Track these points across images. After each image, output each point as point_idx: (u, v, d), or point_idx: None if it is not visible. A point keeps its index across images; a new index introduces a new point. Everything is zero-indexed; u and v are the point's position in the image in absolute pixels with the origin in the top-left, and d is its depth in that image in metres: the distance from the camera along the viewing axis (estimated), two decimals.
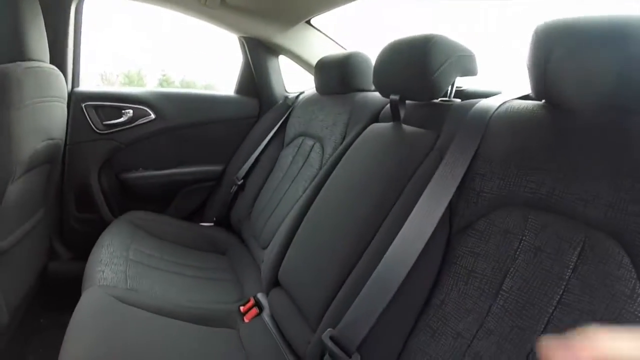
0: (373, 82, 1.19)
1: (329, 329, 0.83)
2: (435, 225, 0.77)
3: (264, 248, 1.49)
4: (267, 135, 1.87)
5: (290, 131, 1.76)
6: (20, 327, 1.50)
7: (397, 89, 1.10)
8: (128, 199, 1.92)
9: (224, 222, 1.90)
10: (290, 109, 1.87)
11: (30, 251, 1.50)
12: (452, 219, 0.81)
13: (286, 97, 2.04)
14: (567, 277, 0.63)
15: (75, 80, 1.80)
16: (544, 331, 0.62)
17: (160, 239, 1.65)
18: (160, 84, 2.90)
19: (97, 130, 1.81)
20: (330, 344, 0.80)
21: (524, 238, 0.69)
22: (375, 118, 1.31)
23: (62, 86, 1.48)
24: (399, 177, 0.96)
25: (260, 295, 1.29)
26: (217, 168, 2.03)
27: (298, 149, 1.64)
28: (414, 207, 0.83)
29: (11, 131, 1.15)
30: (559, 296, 0.63)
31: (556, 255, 0.65)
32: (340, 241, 1.00)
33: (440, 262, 0.79)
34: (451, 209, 0.81)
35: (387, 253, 0.81)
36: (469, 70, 1.07)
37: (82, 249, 1.54)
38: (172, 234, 1.70)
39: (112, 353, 0.92)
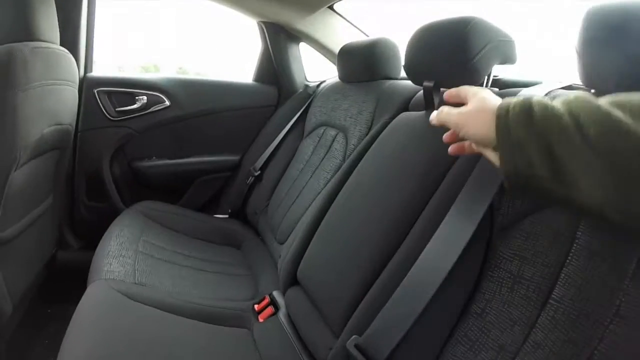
0: (404, 67, 1.12)
1: (355, 336, 0.78)
2: (476, 226, 0.70)
3: (282, 243, 1.44)
4: (286, 125, 1.82)
5: (311, 121, 1.70)
6: (25, 317, 1.48)
7: (431, 75, 1.02)
8: (140, 188, 1.89)
9: (240, 215, 1.86)
10: (311, 97, 1.81)
11: (37, 240, 1.47)
12: (494, 217, 0.73)
13: (306, 86, 1.98)
14: (625, 286, 0.56)
15: (88, 65, 1.77)
16: (599, 346, 0.55)
17: (172, 231, 1.61)
18: None
19: (110, 117, 1.78)
20: (355, 352, 0.75)
21: (577, 240, 0.62)
22: (405, 107, 1.24)
23: (73, 70, 1.44)
24: (433, 171, 0.89)
25: (276, 294, 1.24)
26: (233, 158, 1.98)
27: (319, 139, 1.57)
28: (451, 204, 0.76)
29: (16, 114, 1.11)
30: (616, 307, 0.55)
31: (613, 261, 0.57)
32: (367, 240, 0.93)
33: (480, 265, 0.71)
34: (492, 206, 0.73)
35: (422, 255, 0.75)
36: (508, 57, 0.99)
37: (92, 238, 1.50)
38: (184, 226, 1.66)
39: (114, 353, 0.87)
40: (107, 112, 1.77)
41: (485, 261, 0.71)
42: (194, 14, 2.50)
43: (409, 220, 0.86)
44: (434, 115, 0.68)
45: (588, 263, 0.59)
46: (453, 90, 0.68)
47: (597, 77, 0.68)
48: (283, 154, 1.76)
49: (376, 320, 0.75)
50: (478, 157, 0.76)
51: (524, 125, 0.51)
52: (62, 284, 1.68)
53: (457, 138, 0.69)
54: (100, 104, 1.76)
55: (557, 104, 0.51)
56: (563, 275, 0.61)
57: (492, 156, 0.58)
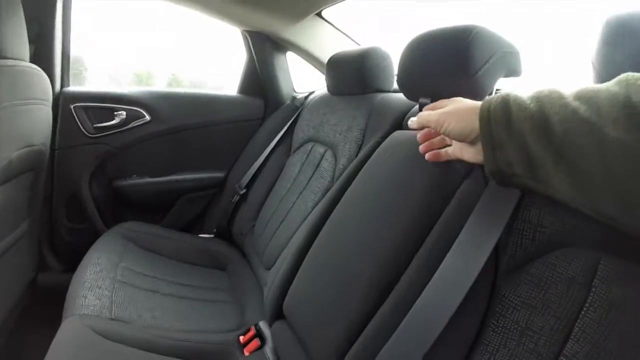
0: (398, 82, 1.04)
1: None
2: (481, 267, 0.63)
3: (268, 269, 1.37)
4: (272, 140, 1.75)
5: (299, 136, 1.64)
6: (8, 343, 1.43)
7: (429, 91, 0.94)
8: (122, 207, 1.83)
9: (225, 234, 1.80)
10: (299, 110, 1.74)
11: (14, 266, 1.41)
12: (500, 257, 0.66)
13: (294, 98, 1.91)
14: None
15: (64, 80, 1.70)
16: None
17: (154, 254, 1.56)
18: (170, 84, 2.87)
19: (88, 134, 1.71)
20: None
21: (593, 289, 0.55)
22: (399, 124, 1.17)
23: (46, 87, 1.37)
24: (432, 200, 0.80)
25: (262, 324, 1.18)
26: (219, 175, 1.91)
27: (307, 157, 1.50)
28: (453, 239, 0.69)
29: None
30: None
31: (636, 314, 0.51)
32: (359, 276, 0.86)
33: (484, 313, 0.65)
34: (498, 245, 0.65)
35: (421, 297, 0.67)
36: (513, 70, 0.92)
37: (74, 260, 1.44)
38: (167, 248, 1.60)
39: None
40: (84, 129, 1.70)
41: (489, 307, 0.64)
42: (187, 21, 2.45)
43: (406, 255, 0.79)
44: (413, 120, 0.72)
45: (606, 316, 0.53)
46: (430, 105, 0.73)
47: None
48: (269, 171, 1.70)
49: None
50: (482, 187, 0.71)
51: (504, 126, 0.55)
52: (44, 307, 1.58)
53: (433, 144, 0.76)
54: (78, 121, 1.69)
55: (532, 101, 0.53)
56: (577, 329, 0.54)
57: (470, 152, 0.64)
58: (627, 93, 0.46)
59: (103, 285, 1.24)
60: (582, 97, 0.49)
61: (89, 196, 1.74)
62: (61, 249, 1.77)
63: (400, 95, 1.20)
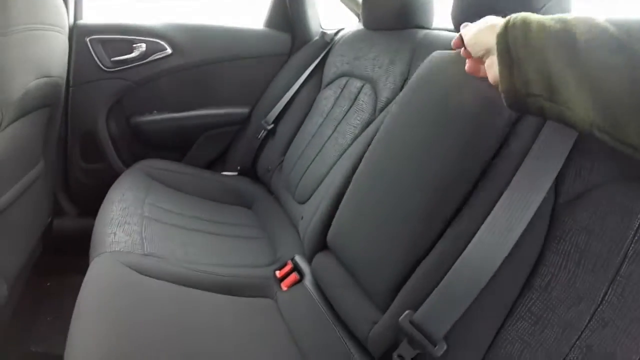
0: (452, 16, 1.02)
1: (408, 311, 0.74)
2: (542, 198, 0.66)
3: (302, 203, 1.38)
4: (300, 75, 1.72)
5: (330, 71, 1.61)
6: (24, 293, 1.42)
7: None
8: (140, 146, 1.80)
9: (249, 172, 1.79)
10: (329, 46, 1.71)
11: (29, 211, 1.40)
12: (559, 187, 0.69)
13: (324, 33, 1.87)
14: None
15: (77, 11, 1.65)
16: None
17: (178, 191, 1.55)
18: None
19: (105, 68, 1.66)
20: (410, 328, 0.72)
21: None
22: None
23: (62, 13, 1.33)
24: (487, 127, 0.78)
25: (298, 258, 1.19)
26: (242, 111, 1.87)
27: (341, 91, 1.49)
28: (512, 170, 0.71)
29: None
30: None
31: None
32: (412, 209, 0.85)
33: (544, 236, 0.68)
34: (557, 175, 0.68)
35: (483, 227, 0.70)
36: (566, 11, 0.90)
37: (91, 203, 1.43)
38: (191, 185, 1.60)
39: (130, 341, 0.81)
40: (101, 63, 1.65)
41: (549, 231, 0.68)
42: None
43: (462, 188, 0.79)
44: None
45: None
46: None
47: None
48: (298, 106, 1.68)
49: (433, 295, 0.72)
50: (543, 121, 0.72)
51: (522, 43, 0.54)
52: (60, 254, 1.63)
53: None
54: (94, 54, 1.64)
55: (556, 21, 0.52)
56: (631, 251, 0.60)
57: (490, 72, 0.62)
58: None
59: (131, 222, 1.23)
60: (612, 20, 0.48)
61: (106, 134, 1.72)
62: (76, 192, 1.76)
63: (444, 32, 1.23)
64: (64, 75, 1.43)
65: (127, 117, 1.76)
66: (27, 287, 1.45)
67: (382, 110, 1.25)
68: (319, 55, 1.70)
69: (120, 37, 1.67)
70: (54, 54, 1.29)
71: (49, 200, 1.61)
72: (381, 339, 0.81)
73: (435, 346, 0.69)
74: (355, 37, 1.59)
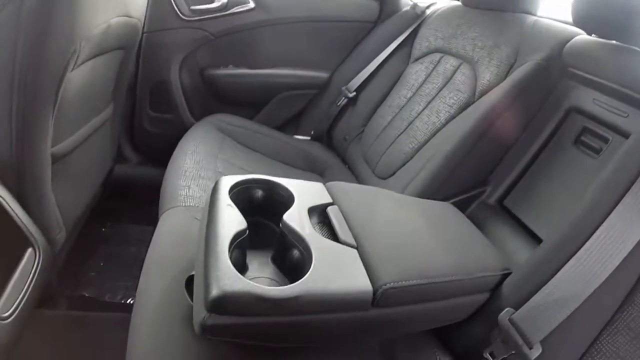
0: (572, 8, 1.03)
1: (508, 309, 0.73)
2: None
3: (383, 178, 1.36)
4: (388, 45, 1.66)
5: (422, 45, 1.57)
6: (79, 238, 1.41)
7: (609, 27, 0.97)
8: (211, 100, 1.78)
9: (323, 138, 1.78)
10: (420, 19, 1.67)
11: (94, 155, 1.40)
12: None
13: (415, 5, 1.80)
14: None
15: None
16: None
17: (250, 150, 1.54)
18: None
19: (183, 16, 1.64)
20: (509, 327, 0.71)
21: None
22: (559, 51, 1.11)
23: None
24: None
25: None
26: (321, 75, 1.84)
27: (434, 67, 1.45)
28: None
29: None
30: None
31: None
32: None
33: None
34: None
35: (597, 233, 0.70)
36: None
37: (154, 153, 1.48)
38: (263, 145, 1.59)
39: None
40: (179, 11, 1.63)
41: None
42: None
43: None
44: None
45: None
46: None
47: None
48: (384, 77, 1.63)
49: (537, 296, 0.71)
50: None
51: None
52: (118, 201, 1.64)
53: None
54: (173, 1, 1.62)
55: None
56: None
57: None
58: None
59: (205, 176, 1.22)
60: None
61: (178, 85, 1.70)
62: (140, 140, 1.76)
63: (553, 22, 1.20)
64: (142, 19, 1.42)
65: (201, 69, 1.74)
66: (83, 231, 1.46)
67: (483, 93, 1.21)
68: (408, 27, 1.65)
69: None
70: None
71: (114, 146, 1.60)
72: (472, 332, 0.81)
73: (531, 349, 0.68)
74: (452, 12, 1.54)
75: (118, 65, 1.36)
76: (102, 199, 1.58)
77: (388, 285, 0.64)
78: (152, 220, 1.07)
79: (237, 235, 0.65)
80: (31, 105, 0.89)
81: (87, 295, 1.43)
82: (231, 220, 0.67)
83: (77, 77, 1.04)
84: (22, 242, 0.99)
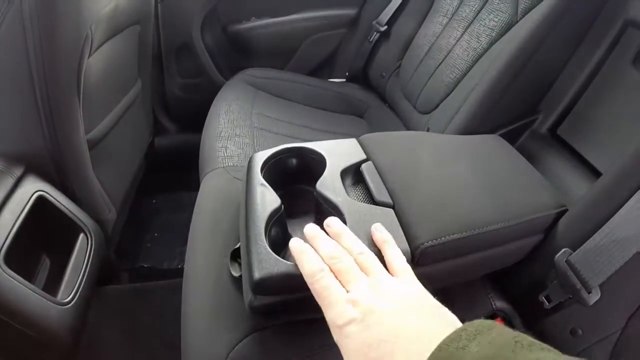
0: None
1: (565, 249, 0.70)
2: None
3: (425, 113, 1.31)
4: None
5: None
6: (132, 213, 1.47)
7: None
8: (239, 56, 1.77)
9: (360, 78, 1.72)
10: None
11: (131, 133, 1.42)
12: None
13: None
14: None
15: None
16: None
17: (285, 100, 1.52)
18: None
19: None
20: (567, 269, 0.68)
21: None
22: None
23: None
24: None
25: None
26: (349, 12, 1.77)
27: None
28: None
29: None
30: None
31: None
32: None
33: None
34: None
35: None
36: None
37: (190, 119, 1.46)
38: (298, 93, 1.56)
39: None
40: None
41: None
42: None
43: None
44: None
45: None
46: None
47: None
48: (415, 5, 1.53)
49: (596, 236, 0.66)
50: None
51: None
52: (162, 171, 1.67)
53: None
54: None
55: None
56: None
57: None
58: None
59: (242, 134, 1.21)
60: None
61: (202, 46, 1.67)
62: (175, 108, 1.77)
63: None
64: None
65: (223, 27, 1.72)
66: (134, 206, 1.51)
67: (526, 11, 1.09)
68: None
69: None
70: None
71: (149, 120, 1.64)
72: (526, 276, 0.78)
73: (589, 293, 0.65)
74: None
75: (137, 40, 1.37)
76: (148, 172, 1.62)
77: (426, 244, 0.63)
78: (199, 185, 1.09)
79: (273, 214, 0.65)
80: (56, 98, 0.92)
81: (145, 266, 1.49)
82: (264, 200, 0.67)
83: (97, 62, 1.07)
84: (73, 229, 1.05)
